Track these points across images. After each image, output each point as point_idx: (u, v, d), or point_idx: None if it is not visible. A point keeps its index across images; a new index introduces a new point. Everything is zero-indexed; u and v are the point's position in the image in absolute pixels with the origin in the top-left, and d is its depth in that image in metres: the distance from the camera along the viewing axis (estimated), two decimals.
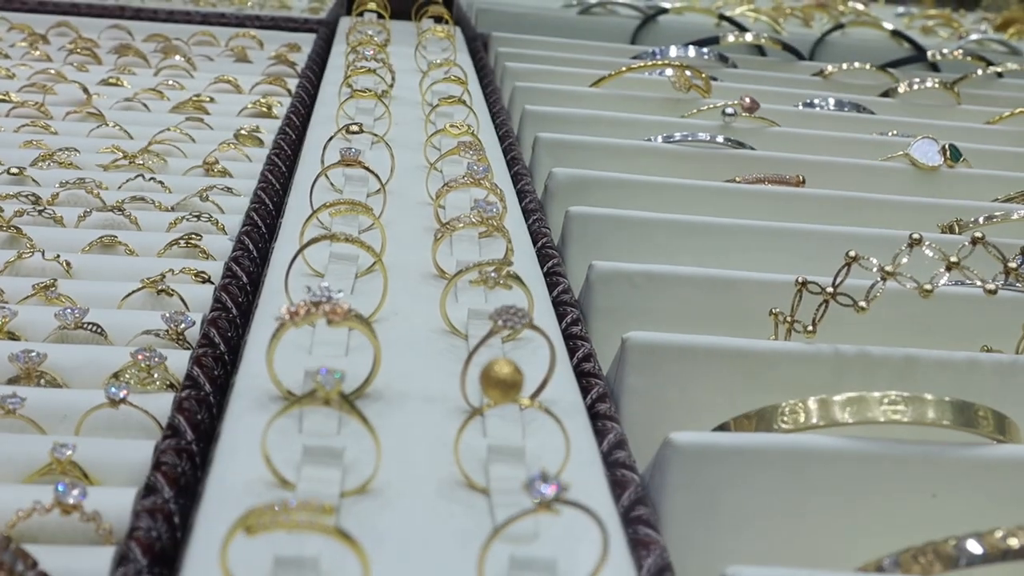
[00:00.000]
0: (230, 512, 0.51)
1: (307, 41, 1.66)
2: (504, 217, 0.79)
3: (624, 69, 1.41)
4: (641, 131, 1.26)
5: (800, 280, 0.76)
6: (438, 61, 1.24)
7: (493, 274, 0.66)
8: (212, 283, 0.86)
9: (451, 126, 0.96)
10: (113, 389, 0.65)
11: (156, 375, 0.70)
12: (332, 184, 0.92)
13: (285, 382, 0.63)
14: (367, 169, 0.84)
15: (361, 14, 1.63)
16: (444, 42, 1.52)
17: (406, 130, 1.11)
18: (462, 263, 0.79)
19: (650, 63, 1.43)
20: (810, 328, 0.75)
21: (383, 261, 0.71)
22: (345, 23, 1.67)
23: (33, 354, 0.69)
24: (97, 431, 0.67)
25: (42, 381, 0.70)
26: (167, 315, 0.75)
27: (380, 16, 1.62)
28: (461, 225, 0.75)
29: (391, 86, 1.19)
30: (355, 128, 0.90)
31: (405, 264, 0.79)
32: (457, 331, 0.71)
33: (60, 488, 0.55)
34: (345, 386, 0.62)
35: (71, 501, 0.55)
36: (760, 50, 1.91)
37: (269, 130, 1.22)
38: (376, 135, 0.94)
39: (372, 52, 1.25)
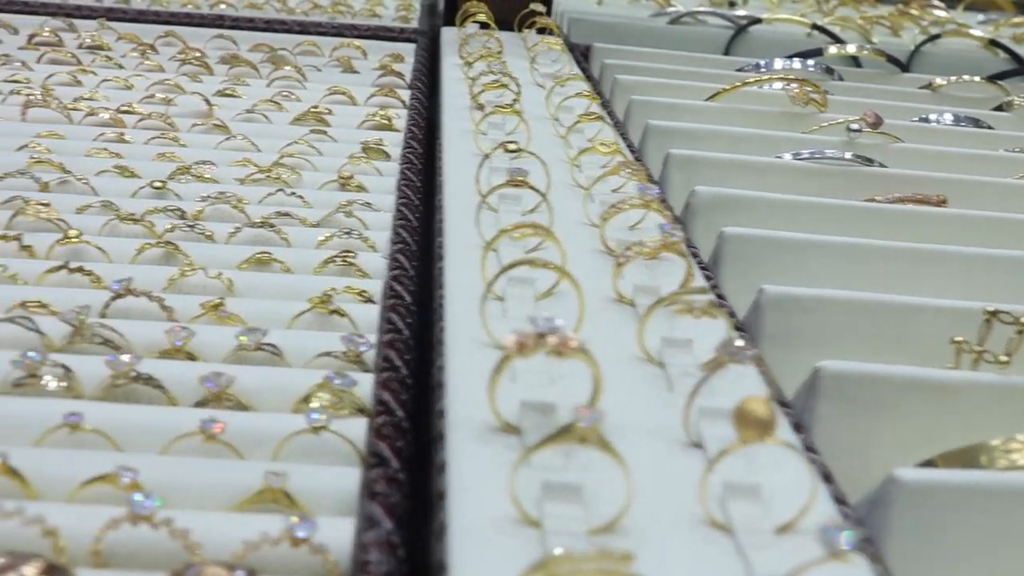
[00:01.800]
0: (483, 551, 0.50)
1: (406, 50, 1.66)
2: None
3: (740, 84, 1.39)
4: (764, 147, 1.25)
5: (990, 310, 0.74)
6: (564, 74, 1.23)
7: (698, 303, 0.65)
8: (374, 303, 0.85)
9: (600, 144, 0.95)
10: (315, 415, 0.65)
11: (345, 399, 0.69)
12: (489, 205, 0.91)
13: (474, 409, 0.62)
14: (534, 189, 0.82)
15: (463, 24, 1.62)
16: (550, 53, 1.51)
17: (542, 146, 1.09)
18: (643, 288, 0.78)
19: (766, 76, 1.41)
20: (1004, 358, 0.73)
21: (580, 287, 0.70)
22: (448, 34, 1.66)
23: (223, 377, 0.69)
24: (292, 456, 0.66)
25: (229, 404, 0.70)
26: (346, 337, 0.75)
27: (483, 27, 1.61)
28: (646, 249, 0.74)
29: (515, 100, 1.18)
30: (513, 146, 0.89)
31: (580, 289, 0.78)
32: (652, 359, 0.69)
33: (290, 520, 0.55)
34: (561, 418, 0.61)
35: (302, 535, 0.55)
36: (855, 61, 1.88)
37: (392, 143, 1.21)
38: (534, 154, 0.93)
39: (500, 66, 1.24)
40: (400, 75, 1.49)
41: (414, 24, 1.89)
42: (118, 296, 0.78)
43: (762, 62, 1.60)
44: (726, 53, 1.90)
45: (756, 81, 1.40)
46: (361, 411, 0.70)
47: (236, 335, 0.74)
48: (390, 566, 0.54)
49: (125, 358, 0.68)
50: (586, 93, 1.14)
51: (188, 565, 0.50)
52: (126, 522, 0.54)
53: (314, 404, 0.69)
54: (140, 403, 0.69)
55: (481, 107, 1.17)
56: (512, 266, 0.67)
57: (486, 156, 0.93)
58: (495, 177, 0.96)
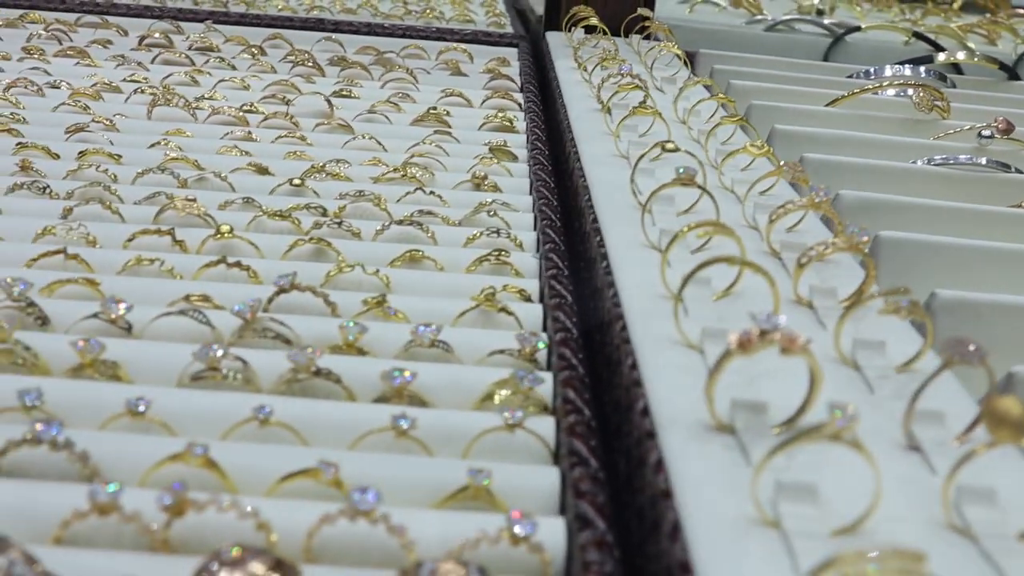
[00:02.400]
0: (727, 552, 0.48)
1: (509, 54, 1.65)
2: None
3: (859, 90, 1.36)
4: (892, 152, 1.22)
5: None
6: (680, 78, 1.21)
7: (905, 303, 0.62)
8: (532, 301, 0.83)
9: (751, 145, 0.93)
10: (509, 412, 0.63)
11: (528, 397, 0.68)
12: (640, 203, 0.89)
13: (680, 406, 0.60)
14: (702, 189, 0.81)
15: (569, 29, 1.61)
16: (662, 57, 1.49)
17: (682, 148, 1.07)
18: (819, 290, 0.76)
19: (886, 83, 1.38)
20: None
21: (776, 285, 0.67)
22: (555, 38, 1.65)
23: (407, 374, 0.67)
24: (481, 454, 0.64)
25: (410, 400, 0.68)
26: (521, 335, 0.73)
27: (588, 31, 1.60)
28: (829, 251, 0.72)
29: (643, 102, 1.16)
30: (671, 146, 0.87)
31: (756, 289, 0.76)
32: (846, 360, 0.67)
33: (511, 518, 0.53)
34: (773, 417, 0.59)
35: (522, 532, 0.53)
36: (956, 69, 1.85)
37: (515, 144, 1.20)
38: (692, 154, 0.91)
39: (628, 68, 1.22)
40: (510, 78, 1.48)
41: (507, 29, 1.88)
42: (282, 291, 0.77)
43: (872, 69, 1.57)
44: (825, 59, 1.88)
45: (876, 88, 1.37)
46: (544, 409, 0.68)
47: (411, 331, 0.72)
48: (611, 566, 0.53)
49: (307, 352, 0.67)
50: (722, 96, 1.12)
51: (420, 562, 0.48)
52: (343, 517, 0.53)
53: (497, 401, 0.68)
54: (317, 398, 0.68)
55: (608, 110, 1.15)
56: (707, 264, 0.65)
57: (641, 156, 0.91)
58: (640, 177, 0.95)
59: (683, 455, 0.55)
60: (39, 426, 0.56)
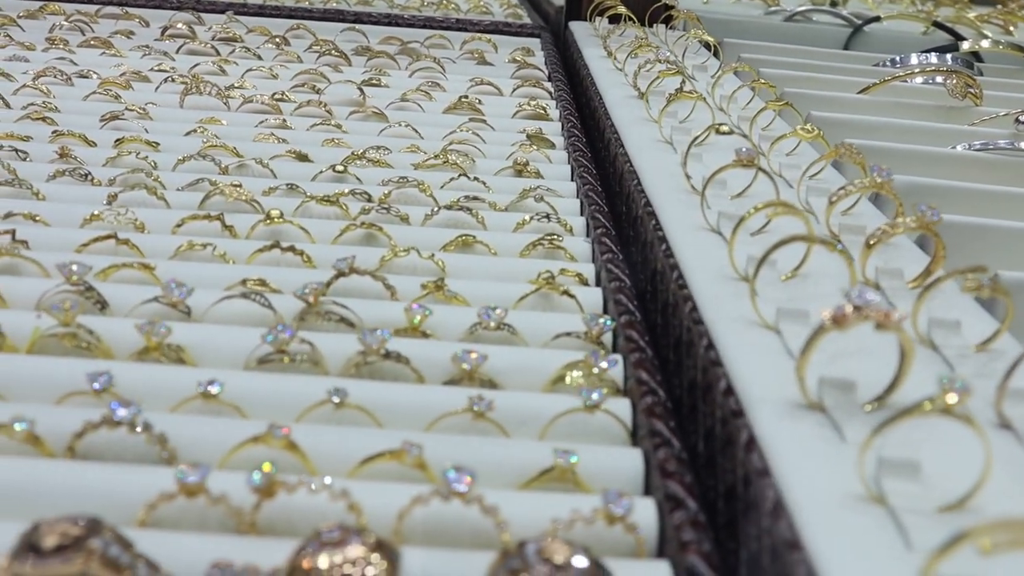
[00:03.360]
0: (837, 529, 0.47)
1: (532, 44, 1.64)
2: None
3: (891, 78, 1.36)
4: (929, 138, 1.21)
5: None
6: (726, 67, 1.20)
7: (987, 282, 0.62)
8: (588, 285, 0.82)
9: (801, 128, 0.92)
10: (592, 393, 0.62)
11: (599, 380, 0.67)
12: (693, 187, 0.88)
13: (765, 385, 0.59)
14: (762, 170, 0.80)
15: (591, 18, 1.60)
16: (688, 46, 1.48)
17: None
18: (885, 271, 0.75)
19: (919, 71, 1.38)
20: None
21: (853, 264, 0.66)
22: (580, 28, 1.64)
23: (476, 356, 0.66)
24: (556, 436, 0.63)
25: (481, 382, 0.67)
26: (588, 317, 0.72)
27: (612, 21, 1.59)
28: (899, 230, 0.71)
29: (680, 88, 1.15)
30: (725, 129, 0.86)
31: (822, 270, 0.75)
32: (924, 340, 0.66)
33: (610, 498, 0.52)
34: (861, 394, 0.58)
35: (619, 512, 0.52)
36: (976, 57, 1.84)
37: (550, 132, 1.19)
38: (746, 136, 0.90)
39: (667, 54, 1.21)
40: (536, 67, 1.47)
41: (524, 20, 1.87)
42: (341, 274, 0.76)
43: (898, 57, 1.57)
44: (846, 48, 1.87)
45: (908, 75, 1.37)
46: (617, 391, 0.67)
47: (477, 313, 0.71)
48: (708, 545, 0.52)
49: (378, 334, 0.66)
50: (763, 82, 1.11)
51: (524, 542, 0.47)
52: (436, 498, 0.52)
53: (569, 383, 0.67)
54: (385, 380, 0.67)
55: (646, 96, 1.14)
56: (783, 243, 0.64)
57: (695, 139, 0.90)
58: (688, 161, 0.94)
59: (776, 434, 0.54)
60: (120, 409, 0.55)
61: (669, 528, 0.54)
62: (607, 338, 0.73)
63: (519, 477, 0.59)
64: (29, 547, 0.46)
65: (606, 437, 0.64)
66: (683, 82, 1.16)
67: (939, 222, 0.71)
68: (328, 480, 0.51)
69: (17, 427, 0.55)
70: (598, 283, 0.83)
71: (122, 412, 0.55)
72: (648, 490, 0.59)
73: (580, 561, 0.47)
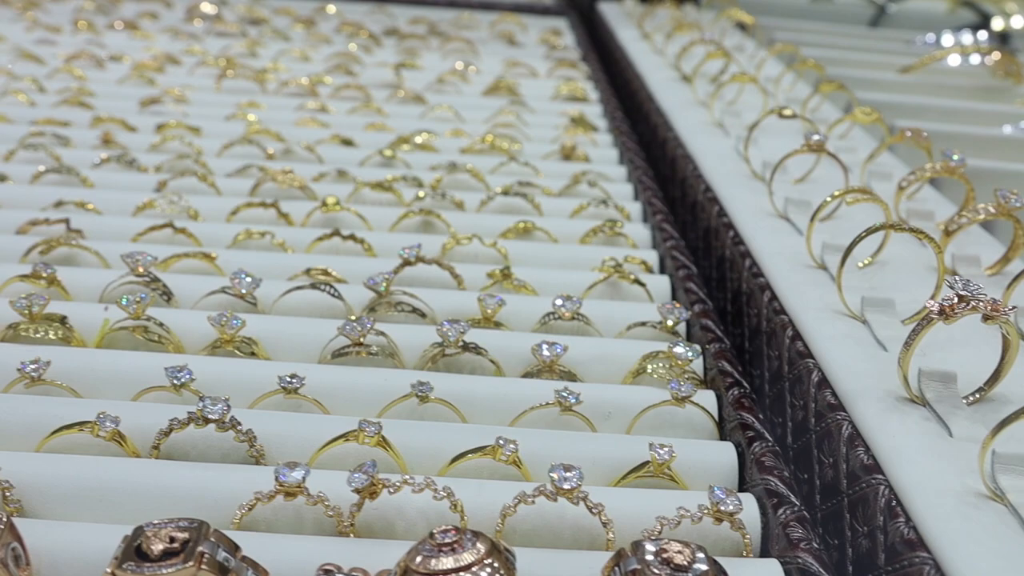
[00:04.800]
0: (960, 526, 0.46)
1: (558, 25, 1.62)
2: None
3: (930, 58, 1.34)
4: (973, 119, 1.20)
5: None
6: (778, 46, 1.18)
7: None
8: (653, 272, 0.81)
9: (860, 111, 0.90)
10: (680, 385, 0.61)
11: (679, 371, 0.65)
12: (754, 171, 0.87)
13: (862, 377, 0.58)
14: (832, 156, 0.78)
15: None
16: (719, 26, 1.46)
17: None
18: (963, 259, 0.74)
19: (956, 48, 1.36)
20: None
21: (941, 253, 0.65)
22: (611, 9, 1.62)
23: (557, 347, 0.65)
24: (642, 429, 0.62)
25: (560, 374, 0.66)
26: (664, 307, 0.70)
27: (644, 1, 1.57)
28: (981, 217, 0.70)
29: (724, 70, 1.14)
30: (788, 112, 0.84)
31: (898, 258, 0.74)
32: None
33: (718, 495, 0.51)
34: (960, 388, 0.57)
35: (729, 509, 0.51)
36: (1002, 38, 1.83)
37: (591, 114, 1.17)
38: (808, 120, 0.89)
39: (712, 36, 1.19)
40: (558, 47, 1.45)
41: (547, 2, 1.85)
42: (407, 263, 0.74)
43: (932, 35, 1.55)
44: (873, 26, 1.86)
45: (947, 54, 1.35)
46: (700, 383, 0.66)
47: (553, 303, 0.70)
48: (817, 542, 0.51)
49: (458, 325, 0.64)
50: (811, 63, 1.09)
51: (639, 542, 0.46)
52: (542, 496, 0.50)
53: (651, 374, 0.65)
54: (462, 372, 0.66)
55: (689, 79, 1.12)
56: (870, 232, 0.62)
57: (754, 125, 0.88)
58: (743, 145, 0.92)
59: (882, 428, 0.53)
60: (211, 405, 0.54)
61: (774, 525, 0.52)
62: (680, 327, 0.72)
63: (611, 472, 0.57)
64: (136, 553, 0.45)
65: (692, 429, 0.62)
66: (727, 65, 1.14)
67: (1021, 208, 0.69)
68: (430, 478, 0.50)
69: (104, 425, 0.54)
70: (662, 270, 0.82)
71: (215, 412, 0.53)
72: (742, 484, 0.58)
73: (701, 563, 0.45)
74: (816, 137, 0.77)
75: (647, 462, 0.56)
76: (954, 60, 1.41)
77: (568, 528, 0.53)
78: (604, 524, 0.51)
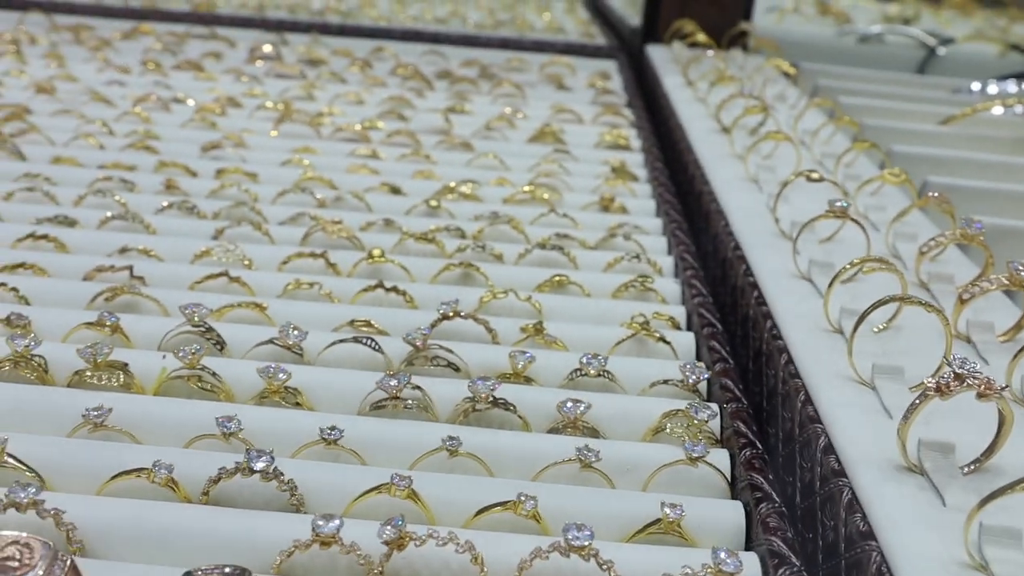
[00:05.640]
0: None
1: (608, 67, 1.66)
2: None
3: (972, 109, 1.36)
4: (1013, 174, 1.22)
5: None
6: (811, 101, 1.21)
7: None
8: (680, 329, 0.85)
9: (889, 173, 0.93)
10: (694, 446, 0.64)
11: (696, 430, 0.69)
12: (782, 230, 0.90)
13: (865, 445, 0.61)
14: (855, 222, 0.81)
15: (669, 41, 1.62)
16: (763, 71, 1.50)
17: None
18: (977, 324, 0.76)
19: (998, 100, 1.38)
20: None
21: (949, 324, 0.68)
22: (658, 52, 1.66)
23: (581, 405, 0.69)
24: (658, 486, 0.66)
25: (583, 431, 0.70)
26: (685, 365, 0.74)
27: (692, 45, 1.61)
28: (994, 287, 0.73)
29: (762, 123, 1.17)
30: (816, 176, 0.88)
31: (914, 324, 0.77)
32: (1019, 399, 0.68)
33: (720, 556, 0.54)
34: (959, 456, 0.60)
35: (730, 569, 0.54)
36: None
37: (632, 163, 1.21)
38: (837, 184, 0.92)
39: (751, 89, 1.23)
40: (613, 92, 1.50)
41: (599, 40, 1.90)
42: (445, 318, 0.79)
43: (976, 84, 1.57)
44: (921, 72, 1.88)
45: (989, 106, 1.37)
46: (716, 442, 0.70)
47: (579, 360, 0.74)
48: None
49: (489, 383, 0.69)
50: (847, 119, 1.12)
51: None
52: (555, 552, 0.54)
53: (669, 433, 0.69)
54: (491, 426, 0.70)
55: (727, 130, 1.16)
56: (882, 303, 0.66)
57: (784, 185, 0.92)
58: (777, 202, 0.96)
59: (879, 496, 0.57)
60: (258, 459, 0.58)
61: None
62: (702, 385, 0.76)
63: (625, 528, 0.61)
64: None
65: (705, 487, 0.66)
66: (765, 118, 1.17)
67: None
68: (454, 532, 0.54)
69: (159, 472, 0.59)
70: (689, 326, 0.85)
71: (260, 463, 0.58)
72: (748, 541, 0.62)
73: None
74: (840, 203, 0.80)
75: (659, 519, 0.60)
76: (997, 110, 1.43)
77: None
78: None
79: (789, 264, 0.86)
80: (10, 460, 0.60)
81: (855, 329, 0.67)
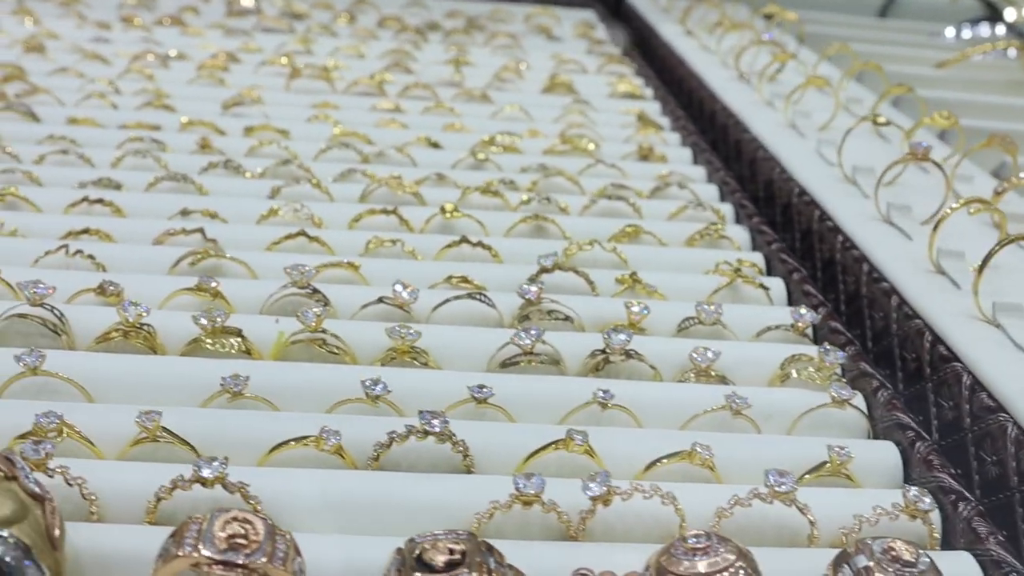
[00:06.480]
0: None
1: (587, 17, 1.65)
2: None
3: (966, 53, 1.39)
4: (1015, 115, 1.26)
5: None
6: (835, 46, 1.23)
7: None
8: (763, 274, 0.85)
9: (939, 115, 0.95)
10: (840, 389, 0.65)
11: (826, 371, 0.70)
12: (848, 178, 0.91)
13: (1014, 378, 0.63)
14: (936, 165, 0.83)
15: None
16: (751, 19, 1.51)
17: (846, 120, 1.10)
18: None
19: (989, 45, 1.42)
20: None
21: None
22: (643, 3, 1.65)
23: (710, 353, 0.69)
24: (801, 429, 0.67)
25: (712, 378, 0.70)
26: (795, 310, 0.75)
27: None
28: None
29: (780, 69, 1.18)
30: (882, 120, 0.89)
31: (1008, 263, 0.79)
32: None
33: (914, 494, 0.55)
34: None
35: (925, 507, 0.55)
36: (1013, 29, 1.89)
37: (650, 112, 1.21)
38: (899, 126, 0.93)
39: (772, 36, 1.23)
40: (599, 42, 1.49)
41: None
42: (544, 270, 0.78)
43: (949, 30, 1.61)
44: (881, 16, 1.91)
45: (981, 48, 1.41)
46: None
47: (696, 308, 0.74)
48: (999, 536, 0.55)
49: (623, 335, 0.68)
50: (872, 64, 1.14)
51: (863, 541, 0.50)
52: (756, 499, 0.55)
53: (798, 377, 0.70)
54: (619, 378, 0.69)
55: (745, 76, 1.16)
56: (1008, 243, 0.67)
57: (849, 130, 0.93)
58: (826, 148, 0.97)
59: None
60: (433, 419, 0.57)
61: (955, 520, 0.57)
62: (808, 331, 0.76)
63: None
64: (418, 564, 0.48)
65: (845, 430, 0.67)
66: (783, 66, 1.18)
67: None
68: (656, 485, 0.54)
69: (329, 440, 0.57)
70: (769, 272, 0.86)
71: (437, 424, 0.57)
72: (906, 482, 0.63)
73: (924, 558, 0.50)
74: (924, 144, 0.82)
75: (824, 462, 0.61)
76: (979, 57, 1.46)
77: (771, 527, 0.57)
78: (811, 523, 0.55)
79: (863, 208, 0.87)
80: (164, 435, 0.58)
81: (983, 266, 0.68)
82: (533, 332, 0.68)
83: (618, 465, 0.60)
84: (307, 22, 1.47)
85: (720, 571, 0.48)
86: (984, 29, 1.59)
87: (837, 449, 0.60)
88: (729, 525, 0.56)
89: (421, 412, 0.58)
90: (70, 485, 0.53)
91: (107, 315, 0.69)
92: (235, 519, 0.48)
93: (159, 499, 0.53)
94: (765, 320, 0.76)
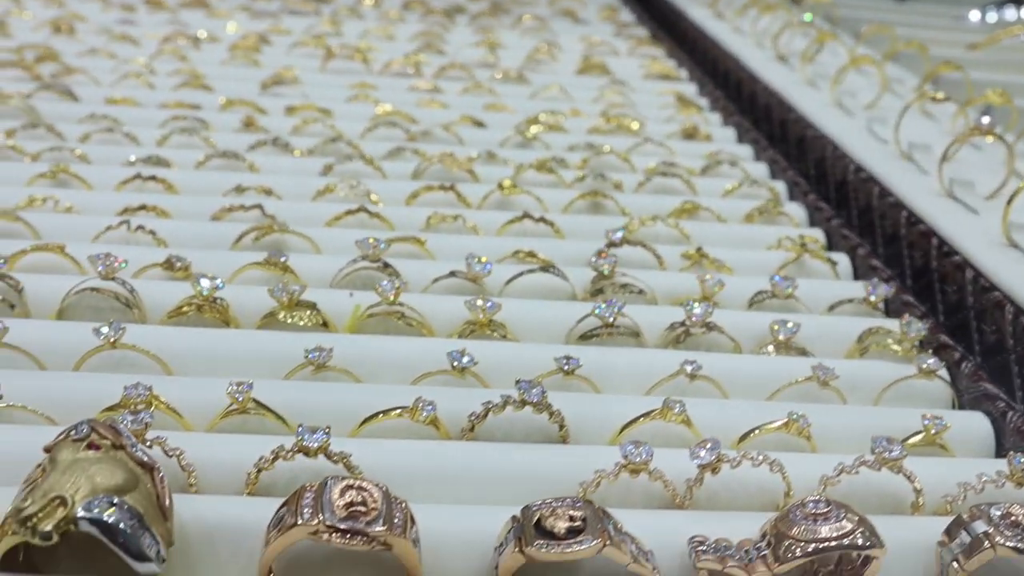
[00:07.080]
0: None
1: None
2: None
3: (999, 34, 1.39)
4: None
5: None
6: (869, 28, 1.22)
7: None
8: (825, 248, 0.84)
9: (993, 93, 0.94)
10: (927, 359, 0.65)
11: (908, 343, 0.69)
12: (905, 154, 0.91)
13: None
14: (1000, 138, 0.82)
15: None
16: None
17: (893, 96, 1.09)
18: None
19: (1021, 27, 1.41)
20: None
21: None
22: None
23: (789, 324, 0.68)
24: (884, 400, 0.66)
25: (790, 351, 0.69)
26: (871, 282, 0.74)
27: None
28: None
29: (820, 49, 1.18)
30: (941, 96, 0.88)
31: None
32: None
33: (1021, 461, 0.55)
34: None
35: None
36: None
37: (687, 93, 1.20)
38: (953, 100, 0.93)
39: (803, 18, 1.23)
40: (624, 25, 1.48)
41: None
42: (612, 244, 0.77)
43: (975, 12, 1.60)
44: (902, 1, 1.91)
45: (1010, 32, 1.40)
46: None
47: (771, 282, 0.73)
48: None
49: (704, 307, 0.68)
50: (916, 43, 1.14)
51: (979, 506, 0.50)
52: (863, 466, 0.54)
53: (877, 348, 0.69)
54: (698, 350, 0.69)
55: (783, 56, 1.16)
56: None
57: (906, 108, 0.92)
58: (878, 126, 0.96)
59: None
60: (530, 389, 0.56)
61: None
62: (881, 304, 0.76)
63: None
64: (537, 531, 0.47)
65: (929, 401, 0.66)
66: (822, 45, 1.17)
67: None
68: (761, 452, 0.53)
69: (425, 410, 0.56)
70: (829, 247, 0.85)
71: (535, 395, 0.56)
72: (998, 452, 0.62)
73: None
74: (987, 119, 0.81)
75: (917, 432, 0.60)
76: (1008, 39, 1.46)
77: (874, 495, 0.56)
78: (917, 491, 0.55)
79: (924, 184, 0.86)
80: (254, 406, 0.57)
81: None
82: (615, 305, 0.67)
83: (710, 435, 0.60)
84: (333, 5, 1.45)
85: (841, 536, 0.48)
86: (1010, 12, 1.59)
87: (932, 418, 0.60)
88: (833, 493, 0.56)
89: (518, 381, 0.57)
90: (168, 456, 0.52)
91: (175, 289, 0.68)
92: (351, 487, 0.47)
93: (259, 470, 0.52)
94: (836, 294, 0.76)
